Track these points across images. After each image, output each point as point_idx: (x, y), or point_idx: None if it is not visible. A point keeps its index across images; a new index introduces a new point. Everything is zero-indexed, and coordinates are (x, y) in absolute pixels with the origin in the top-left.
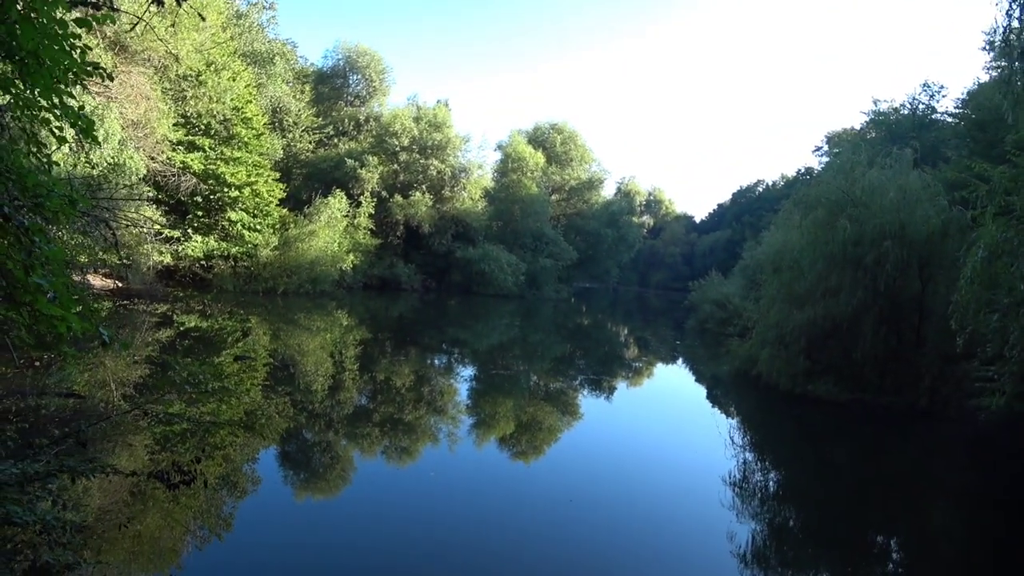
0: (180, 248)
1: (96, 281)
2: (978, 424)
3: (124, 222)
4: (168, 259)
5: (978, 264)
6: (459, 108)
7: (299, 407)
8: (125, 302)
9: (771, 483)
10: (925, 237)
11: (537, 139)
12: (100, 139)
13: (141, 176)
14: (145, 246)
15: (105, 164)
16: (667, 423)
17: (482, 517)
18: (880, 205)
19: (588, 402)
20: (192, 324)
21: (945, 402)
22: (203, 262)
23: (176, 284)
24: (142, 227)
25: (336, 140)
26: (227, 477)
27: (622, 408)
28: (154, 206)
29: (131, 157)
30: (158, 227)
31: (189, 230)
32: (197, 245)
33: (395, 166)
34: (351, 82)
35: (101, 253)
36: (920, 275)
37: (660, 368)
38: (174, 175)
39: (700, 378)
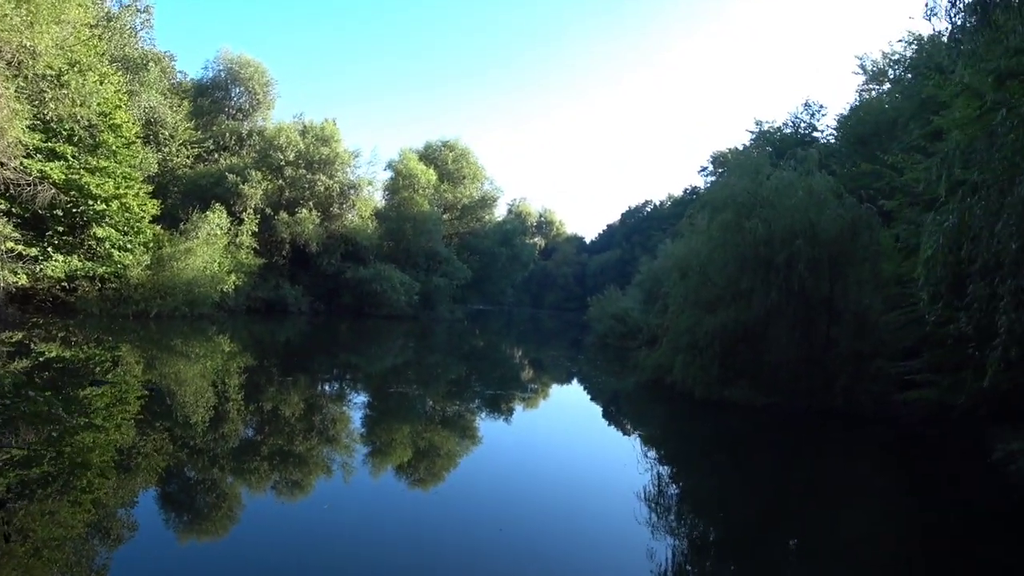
0: (38, 268)
1: None
2: (897, 422)
3: None
4: (23, 280)
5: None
6: (348, 129)
7: (179, 442)
8: None
9: (688, 495)
10: (835, 235)
11: (429, 156)
12: None
13: None
14: None
15: None
16: (576, 441)
17: (384, 547)
18: (789, 205)
19: (491, 424)
20: (53, 353)
21: (860, 402)
22: (65, 283)
23: (33, 309)
24: None
25: (217, 155)
26: (99, 524)
27: (528, 429)
28: (4, 219)
29: None
30: (11, 244)
31: (49, 248)
32: (58, 265)
33: (280, 182)
34: (233, 95)
35: None
36: (830, 274)
37: (565, 386)
38: (29, 185)
39: (607, 392)
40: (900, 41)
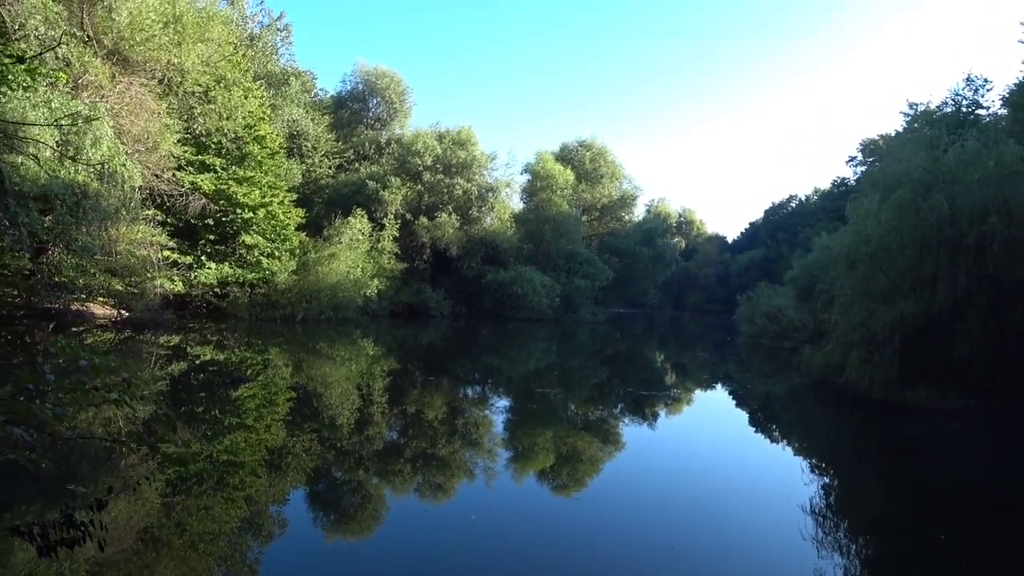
0: (193, 275)
1: (97, 309)
2: None
3: (124, 242)
4: (179, 287)
5: None
6: (483, 134)
7: (326, 443)
8: (132, 334)
9: (862, 510)
10: None
11: (565, 157)
12: (87, 143)
13: (136, 185)
14: (152, 271)
15: (93, 170)
16: (731, 448)
17: (526, 555)
18: (976, 179)
19: (636, 429)
20: (207, 356)
21: None
22: (217, 289)
23: (189, 314)
24: (147, 249)
25: (357, 164)
26: (250, 520)
27: (676, 434)
28: (160, 228)
29: (123, 165)
30: (167, 252)
31: (202, 256)
32: (211, 272)
33: (419, 187)
34: (371, 105)
35: (100, 277)
36: None
37: (714, 389)
38: (181, 195)
39: (764, 395)
40: None
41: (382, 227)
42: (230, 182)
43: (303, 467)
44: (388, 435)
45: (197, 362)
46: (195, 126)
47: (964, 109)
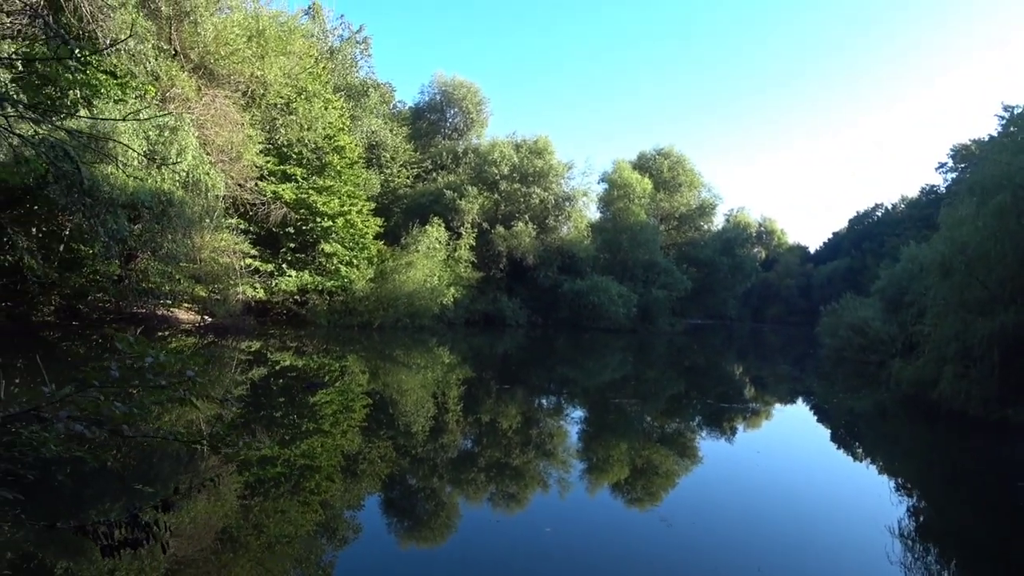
0: (274, 283)
1: (182, 315)
2: None
3: (208, 249)
4: (261, 294)
5: None
6: (560, 144)
7: (401, 450)
8: (215, 339)
9: (955, 534)
10: None
11: (643, 166)
12: (173, 153)
13: (220, 194)
14: (234, 278)
15: (178, 178)
16: (813, 466)
17: (599, 568)
18: None
19: (713, 444)
20: (287, 362)
21: None
22: (297, 297)
23: (269, 320)
24: (230, 256)
25: (435, 174)
26: (326, 524)
27: (754, 449)
28: (242, 236)
29: (207, 173)
30: (249, 260)
31: (283, 264)
32: (291, 279)
33: (496, 196)
34: (448, 115)
35: (185, 283)
36: None
37: (795, 404)
38: (263, 204)
39: (850, 411)
40: None
41: (459, 236)
42: (310, 191)
43: (378, 473)
44: (462, 443)
45: (276, 367)
46: (277, 137)
47: None
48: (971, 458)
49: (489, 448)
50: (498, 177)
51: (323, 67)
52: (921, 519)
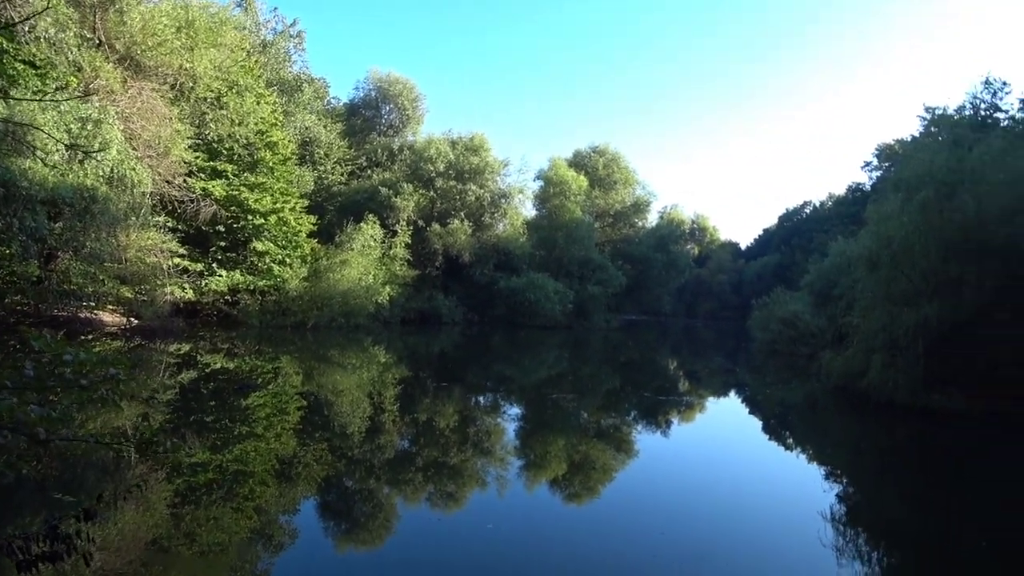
0: (203, 283)
1: (106, 317)
2: None
3: (134, 248)
4: (190, 294)
5: None
6: (496, 140)
7: (337, 452)
8: (142, 342)
9: (884, 518)
10: None
11: (578, 163)
12: (96, 146)
13: (146, 191)
14: (162, 278)
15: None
16: (748, 455)
17: (539, 564)
18: (1003, 178)
19: (650, 437)
20: (218, 364)
21: None
22: (228, 297)
23: (199, 322)
24: (157, 256)
25: (370, 171)
26: (260, 531)
27: (690, 442)
28: (170, 235)
29: (133, 169)
30: (177, 259)
31: (213, 263)
32: (222, 279)
33: (431, 193)
34: (383, 112)
35: (110, 284)
36: None
37: (729, 396)
38: (192, 201)
39: (782, 402)
40: None
41: (394, 234)
42: (241, 188)
43: (314, 476)
44: (400, 443)
45: (207, 370)
46: (207, 132)
47: (983, 112)
48: (898, 444)
49: (427, 447)
50: (434, 174)
51: (255, 61)
52: (851, 503)
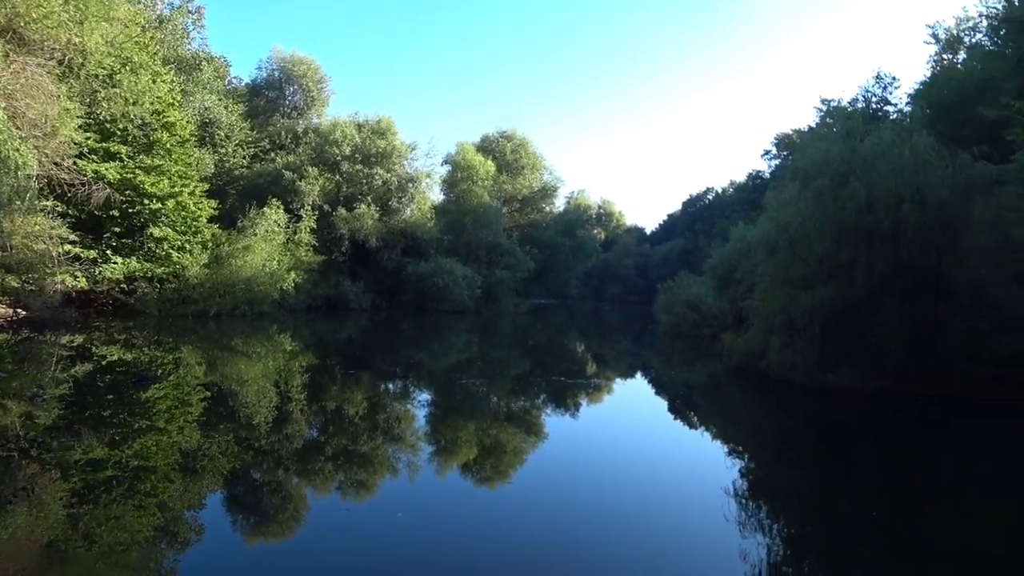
0: (97, 270)
1: None
2: None
3: (20, 235)
4: (83, 283)
5: None
6: (403, 126)
7: (243, 443)
8: (31, 334)
9: (784, 491)
10: (946, 198)
11: (486, 148)
12: None
13: (32, 173)
14: (51, 266)
15: None
16: (655, 435)
17: (450, 548)
18: (891, 168)
19: (560, 420)
20: (115, 356)
21: (983, 387)
22: (124, 285)
23: (94, 312)
24: (45, 242)
25: (273, 154)
26: (165, 528)
27: (600, 423)
28: (60, 220)
29: (17, 150)
30: (68, 246)
31: (107, 250)
32: (117, 266)
33: (337, 177)
34: (287, 93)
35: None
36: (942, 243)
37: (637, 378)
38: (83, 185)
39: (687, 383)
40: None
41: (299, 219)
42: (137, 171)
43: (219, 469)
44: (308, 433)
45: (103, 362)
46: (99, 111)
47: (874, 105)
48: (795, 421)
49: (336, 436)
50: (340, 158)
51: (151, 37)
52: (752, 479)
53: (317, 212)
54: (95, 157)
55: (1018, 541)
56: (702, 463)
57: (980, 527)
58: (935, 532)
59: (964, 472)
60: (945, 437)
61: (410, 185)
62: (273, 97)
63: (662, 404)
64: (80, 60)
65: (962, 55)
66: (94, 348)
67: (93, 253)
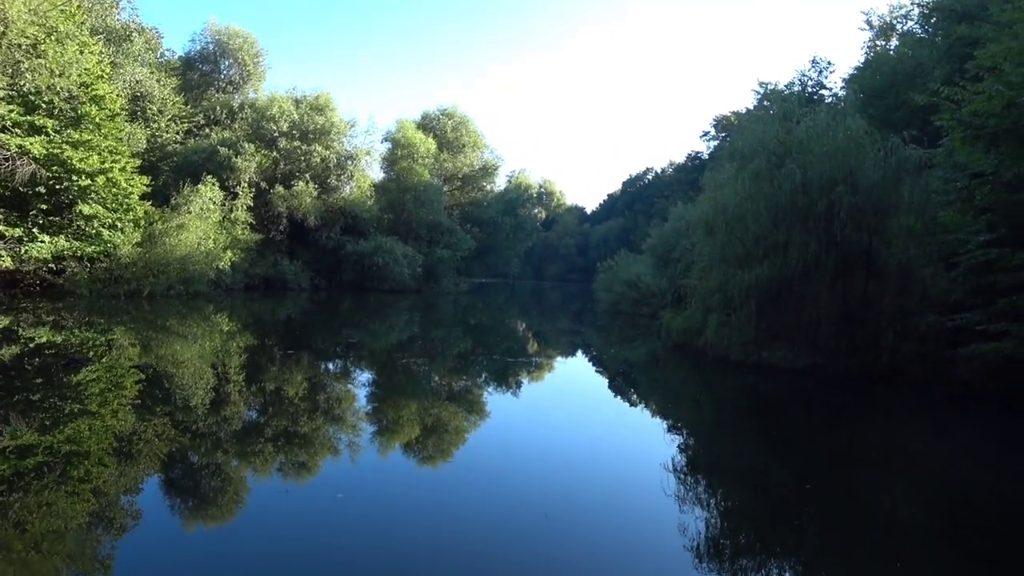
0: (23, 249)
1: None
2: (953, 381)
3: None
4: (8, 263)
5: None
6: (342, 103)
7: (180, 426)
8: None
9: (721, 464)
10: (878, 181)
11: (427, 126)
12: None
13: None
14: None
15: None
16: (596, 413)
17: (394, 527)
18: (826, 150)
19: (502, 399)
20: (44, 338)
21: (908, 361)
22: (52, 265)
23: (20, 293)
24: None
25: (208, 130)
26: (100, 514)
27: (542, 402)
28: None
29: None
30: None
31: (33, 228)
32: (44, 245)
33: (275, 154)
34: (222, 67)
35: None
36: (873, 224)
37: (579, 356)
38: (7, 160)
39: (628, 361)
40: None
41: (235, 196)
42: (64, 146)
43: (156, 453)
44: (246, 415)
45: (31, 345)
46: (22, 83)
47: (810, 89)
48: (732, 397)
49: (275, 417)
50: (277, 134)
51: (77, 6)
52: (691, 454)
53: (254, 190)
54: (19, 131)
55: (937, 507)
56: (642, 440)
57: (905, 495)
58: (864, 500)
59: (890, 444)
60: (873, 410)
61: (349, 163)
62: (208, 71)
63: (603, 382)
64: (1, 29)
65: (895, 42)
66: (21, 330)
67: (18, 231)
